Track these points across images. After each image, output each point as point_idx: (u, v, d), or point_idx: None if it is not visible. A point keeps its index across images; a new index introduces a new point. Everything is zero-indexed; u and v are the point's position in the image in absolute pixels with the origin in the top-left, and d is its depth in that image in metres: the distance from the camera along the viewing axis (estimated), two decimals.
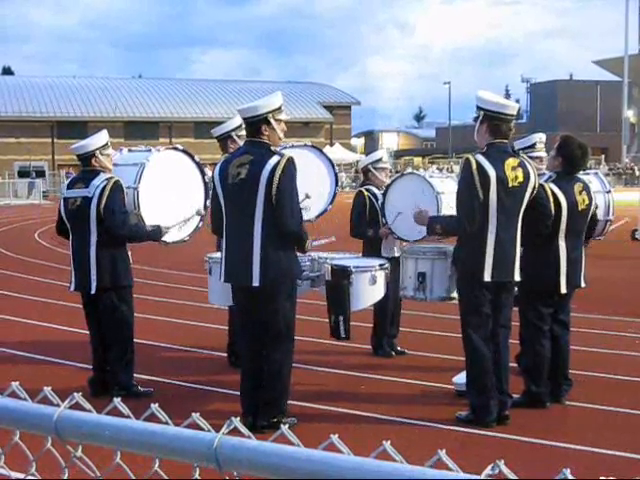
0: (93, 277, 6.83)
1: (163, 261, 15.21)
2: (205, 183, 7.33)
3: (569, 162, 6.65)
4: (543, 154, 7.68)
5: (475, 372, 6.15)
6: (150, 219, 6.94)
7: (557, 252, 6.57)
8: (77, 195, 6.86)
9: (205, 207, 7.29)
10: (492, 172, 5.96)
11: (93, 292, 6.85)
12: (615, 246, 17.12)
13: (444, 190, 7.29)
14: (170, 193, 7.14)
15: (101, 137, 7.04)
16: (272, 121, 5.98)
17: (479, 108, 6.15)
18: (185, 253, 16.30)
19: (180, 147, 7.48)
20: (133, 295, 7.17)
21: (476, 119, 6.22)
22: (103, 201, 6.69)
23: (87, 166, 6.96)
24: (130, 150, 7.47)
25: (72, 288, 7.07)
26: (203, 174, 7.37)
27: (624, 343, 8.97)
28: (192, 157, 7.39)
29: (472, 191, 5.98)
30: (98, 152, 6.92)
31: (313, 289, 7.35)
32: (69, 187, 7.02)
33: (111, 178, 6.77)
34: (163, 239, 7.11)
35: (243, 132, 6.99)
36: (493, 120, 6.08)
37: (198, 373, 7.72)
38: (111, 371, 6.93)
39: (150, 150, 7.23)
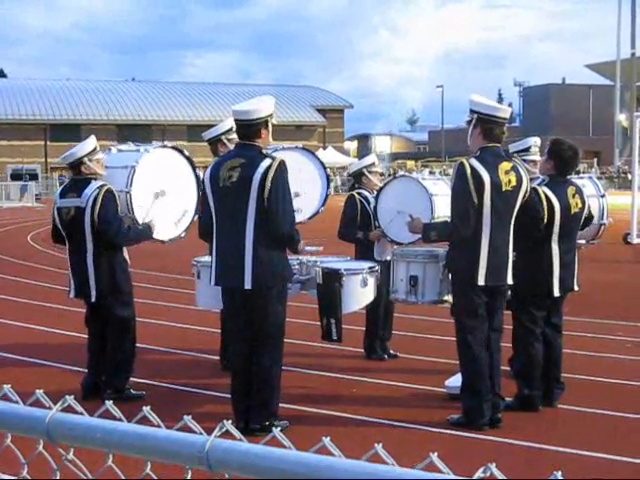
0: (92, 285, 6.85)
1: (152, 264, 15.19)
2: (197, 176, 7.32)
3: (561, 164, 6.67)
4: (538, 157, 7.71)
5: (470, 375, 6.15)
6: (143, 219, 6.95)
7: (550, 255, 6.58)
8: (70, 205, 6.85)
9: (198, 201, 7.28)
10: (486, 176, 5.97)
11: (94, 300, 6.88)
12: (607, 249, 17.14)
13: (437, 192, 7.30)
14: (163, 193, 7.12)
15: (88, 143, 6.99)
16: (269, 125, 6.01)
17: (473, 111, 6.17)
18: (174, 256, 16.29)
19: (169, 144, 7.43)
20: (134, 298, 7.18)
21: (469, 122, 6.24)
22: (96, 211, 6.68)
23: (77, 174, 6.94)
24: (119, 150, 7.39)
25: (72, 295, 7.07)
26: (194, 167, 7.37)
27: (615, 346, 8.99)
28: (182, 152, 7.35)
29: (466, 195, 5.98)
30: (86, 159, 6.88)
31: (302, 292, 7.36)
32: (61, 196, 6.99)
33: (103, 186, 6.74)
34: (160, 238, 7.11)
35: (233, 135, 6.98)
36: (487, 123, 6.10)
37: (190, 376, 7.71)
38: (107, 374, 6.92)
39: (139, 150, 7.16)
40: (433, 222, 6.88)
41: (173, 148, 7.41)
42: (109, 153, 7.27)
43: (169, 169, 7.21)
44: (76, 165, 6.92)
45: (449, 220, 6.25)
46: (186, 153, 7.39)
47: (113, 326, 6.96)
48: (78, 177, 6.93)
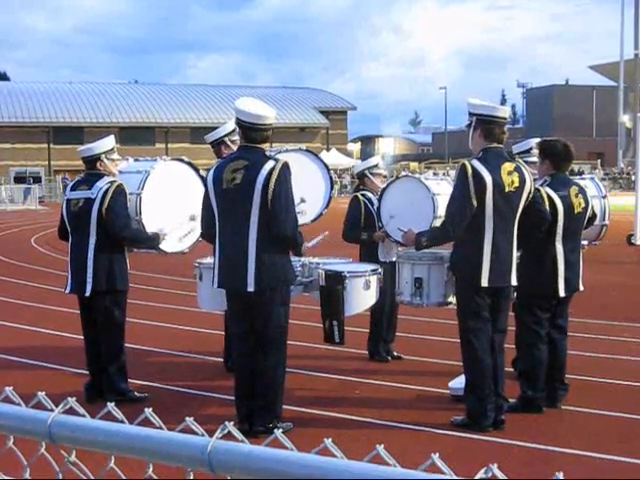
0: (89, 279, 6.81)
1: (156, 266, 15.17)
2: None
3: (555, 159, 6.68)
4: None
5: (474, 377, 6.15)
6: (150, 226, 6.97)
7: (555, 255, 6.57)
8: (80, 196, 6.89)
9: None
10: (488, 177, 5.97)
11: (88, 294, 6.84)
12: (611, 251, 17.13)
13: (440, 192, 7.29)
14: (171, 203, 7.18)
15: (107, 141, 7.10)
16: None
17: (471, 114, 6.18)
18: (178, 258, 16.31)
19: (186, 159, 7.49)
20: (127, 300, 7.15)
21: (468, 126, 6.25)
22: (105, 203, 6.71)
23: (92, 169, 6.98)
24: (136, 160, 7.56)
25: (67, 290, 7.05)
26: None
27: (620, 348, 8.97)
28: (197, 170, 7.40)
29: (465, 196, 5.98)
30: (104, 156, 6.97)
31: (305, 294, 7.35)
32: (72, 189, 7.05)
33: (115, 181, 6.82)
34: (163, 249, 7.13)
35: (236, 137, 6.99)
36: (486, 124, 6.10)
37: (193, 378, 7.71)
38: (106, 376, 6.91)
39: (156, 160, 7.31)
40: (423, 230, 6.76)
41: (189, 164, 7.46)
42: (126, 161, 7.41)
43: (181, 182, 7.28)
44: (91, 161, 6.98)
45: (439, 224, 6.24)
46: (201, 173, 7.42)
47: (104, 326, 6.92)
48: (92, 172, 6.97)
